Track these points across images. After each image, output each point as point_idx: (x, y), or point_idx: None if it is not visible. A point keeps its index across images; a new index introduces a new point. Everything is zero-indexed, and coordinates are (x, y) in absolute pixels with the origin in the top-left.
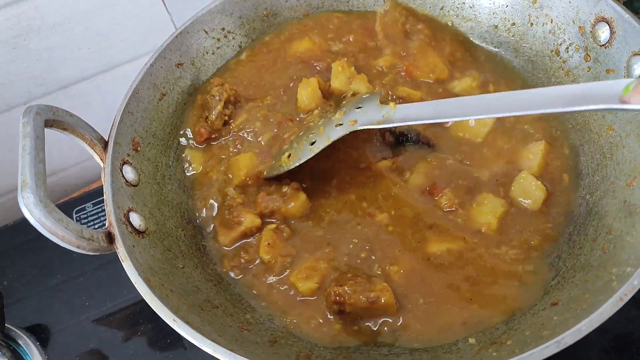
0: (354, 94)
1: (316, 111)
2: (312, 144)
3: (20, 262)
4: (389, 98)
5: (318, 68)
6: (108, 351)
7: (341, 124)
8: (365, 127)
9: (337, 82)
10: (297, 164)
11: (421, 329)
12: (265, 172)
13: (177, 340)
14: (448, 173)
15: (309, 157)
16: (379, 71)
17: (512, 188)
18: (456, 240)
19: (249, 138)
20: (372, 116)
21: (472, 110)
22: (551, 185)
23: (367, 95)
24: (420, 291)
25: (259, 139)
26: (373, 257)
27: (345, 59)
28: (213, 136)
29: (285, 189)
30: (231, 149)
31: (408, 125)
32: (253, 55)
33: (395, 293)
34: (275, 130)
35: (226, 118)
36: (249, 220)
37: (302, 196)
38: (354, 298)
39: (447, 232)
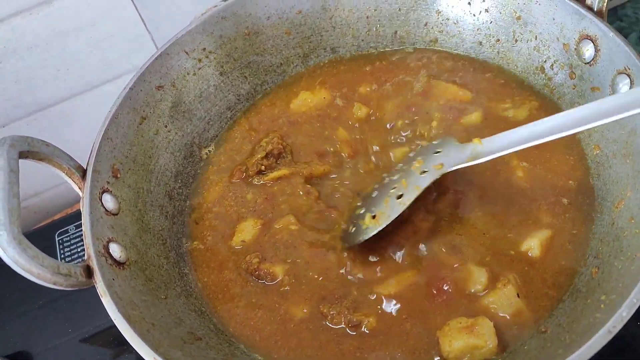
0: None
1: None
2: (399, 197)
3: None
4: None
5: None
6: None
7: (426, 171)
8: (455, 168)
9: None
10: (387, 223)
11: None
12: (342, 241)
13: None
14: None
15: (401, 211)
16: None
17: None
18: None
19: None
20: (457, 156)
21: (568, 125)
22: None
23: (440, 140)
24: None
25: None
26: None
27: None
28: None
29: None
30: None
31: None
32: None
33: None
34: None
35: (262, 168)
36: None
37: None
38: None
39: None
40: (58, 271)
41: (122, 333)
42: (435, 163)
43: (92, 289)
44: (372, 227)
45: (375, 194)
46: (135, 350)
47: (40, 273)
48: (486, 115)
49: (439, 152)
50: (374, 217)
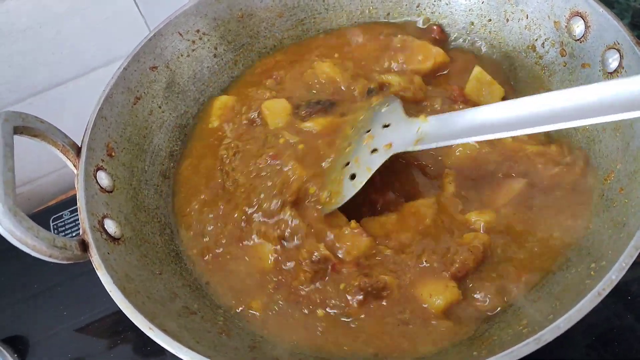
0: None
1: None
2: (353, 177)
3: None
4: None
5: None
6: None
7: (376, 149)
8: (403, 151)
9: None
10: (343, 202)
11: None
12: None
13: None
14: None
15: (354, 193)
16: None
17: None
18: None
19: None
20: (405, 136)
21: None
22: None
23: (387, 104)
24: None
25: None
26: None
27: None
28: None
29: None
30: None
31: None
32: None
33: None
34: None
35: None
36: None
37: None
38: None
39: None
40: (54, 244)
41: (118, 304)
42: (385, 142)
43: (88, 277)
44: (325, 208)
45: (330, 162)
46: (133, 337)
47: (36, 245)
48: None
49: (387, 125)
50: (329, 196)
